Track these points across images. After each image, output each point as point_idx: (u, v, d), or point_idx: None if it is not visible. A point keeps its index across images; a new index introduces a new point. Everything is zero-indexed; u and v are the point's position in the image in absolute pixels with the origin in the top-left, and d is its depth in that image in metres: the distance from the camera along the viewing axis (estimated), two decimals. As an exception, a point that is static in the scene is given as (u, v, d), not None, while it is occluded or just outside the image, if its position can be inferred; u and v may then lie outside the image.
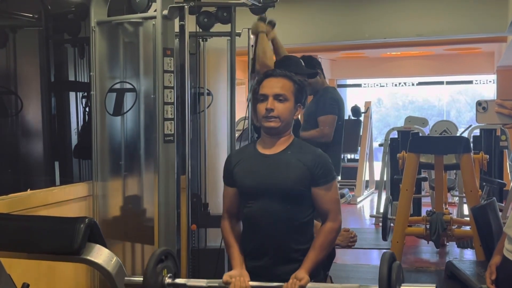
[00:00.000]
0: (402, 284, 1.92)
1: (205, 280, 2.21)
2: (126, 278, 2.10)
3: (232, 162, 2.42)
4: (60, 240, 1.97)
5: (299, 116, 2.59)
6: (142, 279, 2.05)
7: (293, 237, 2.33)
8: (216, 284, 2.21)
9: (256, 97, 2.37)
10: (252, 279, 2.30)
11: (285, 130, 2.36)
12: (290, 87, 2.34)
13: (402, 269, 1.99)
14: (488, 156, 6.43)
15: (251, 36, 4.33)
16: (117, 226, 3.80)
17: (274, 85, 2.32)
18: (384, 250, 5.97)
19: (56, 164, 4.00)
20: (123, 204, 3.84)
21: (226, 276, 2.24)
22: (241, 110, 6.04)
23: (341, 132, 4.16)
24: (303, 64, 3.82)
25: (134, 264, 3.91)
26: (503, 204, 6.66)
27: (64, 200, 3.45)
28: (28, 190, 3.24)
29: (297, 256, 2.32)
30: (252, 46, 4.31)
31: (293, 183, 2.29)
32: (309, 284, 2.14)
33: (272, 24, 3.82)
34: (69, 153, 4.11)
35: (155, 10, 3.43)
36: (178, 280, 2.16)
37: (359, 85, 13.80)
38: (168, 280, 2.11)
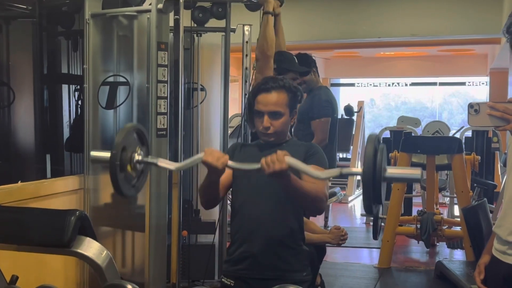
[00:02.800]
0: (388, 167, 1.86)
1: (175, 163, 2.18)
2: (92, 152, 2.07)
3: (236, 150, 2.46)
4: (50, 232, 1.96)
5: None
6: (109, 153, 1.98)
7: (283, 222, 2.33)
8: (194, 163, 2.16)
9: (251, 111, 2.40)
10: (239, 265, 2.32)
11: (283, 138, 2.42)
12: (284, 100, 2.36)
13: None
14: (479, 157, 6.46)
15: (246, 33, 4.33)
16: (107, 219, 3.79)
17: (268, 102, 2.34)
18: (375, 249, 5.97)
19: (48, 156, 3.98)
20: (114, 198, 3.83)
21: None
22: (234, 107, 6.03)
23: (334, 131, 4.16)
24: (296, 61, 3.81)
25: (124, 255, 3.90)
26: (493, 206, 6.69)
27: (55, 193, 3.43)
28: (19, 182, 3.22)
29: (286, 242, 2.32)
30: (247, 42, 4.31)
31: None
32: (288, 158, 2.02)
33: (281, 2, 3.73)
34: (60, 146, 4.08)
35: (150, 4, 3.41)
36: (149, 158, 2.08)
37: (352, 85, 13.82)
38: (138, 157, 2.04)
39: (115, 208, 3.84)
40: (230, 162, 2.11)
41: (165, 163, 2.13)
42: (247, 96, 3.59)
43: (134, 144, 2.07)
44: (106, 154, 2.00)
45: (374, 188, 1.84)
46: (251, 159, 2.35)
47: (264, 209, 2.32)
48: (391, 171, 1.87)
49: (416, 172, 1.87)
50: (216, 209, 3.73)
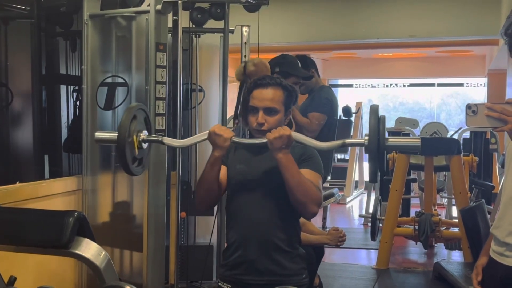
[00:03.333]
0: (388, 137, 2.06)
1: (180, 140, 2.25)
2: (96, 133, 2.21)
3: (230, 150, 2.41)
4: (48, 233, 1.96)
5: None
6: (116, 134, 2.07)
7: (278, 225, 2.31)
8: (199, 139, 2.24)
9: (246, 107, 2.37)
10: (234, 271, 2.32)
11: None
12: (280, 97, 2.34)
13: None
14: (477, 158, 6.46)
15: (244, 34, 4.33)
16: (106, 221, 3.79)
17: (264, 98, 2.32)
18: (373, 250, 5.97)
19: (46, 157, 3.98)
20: (113, 199, 3.82)
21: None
22: (233, 107, 6.03)
23: (334, 131, 4.15)
24: (300, 65, 3.80)
25: (123, 256, 3.90)
26: (491, 207, 6.69)
27: (53, 194, 3.43)
28: (17, 183, 3.22)
29: (281, 245, 2.31)
30: (245, 43, 4.32)
31: (279, 173, 2.26)
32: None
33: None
34: (59, 146, 4.08)
35: (149, 5, 3.42)
36: (153, 136, 2.19)
37: (350, 86, 13.83)
38: (143, 136, 2.12)
39: (113, 209, 3.83)
40: (235, 138, 2.19)
41: (170, 141, 2.19)
42: (242, 92, 3.56)
43: (138, 124, 2.13)
44: (113, 135, 2.05)
45: (378, 156, 2.00)
46: (245, 160, 2.36)
47: (259, 213, 2.31)
48: (392, 139, 2.07)
49: (416, 140, 2.02)
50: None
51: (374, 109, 2.03)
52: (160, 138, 2.19)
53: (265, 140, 2.14)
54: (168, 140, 2.22)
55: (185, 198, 3.96)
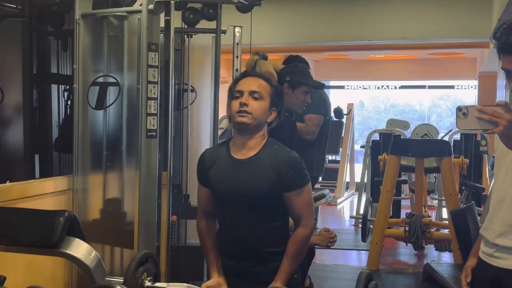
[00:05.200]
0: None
1: (185, 285, 2.19)
2: (106, 278, 2.08)
3: (206, 162, 2.40)
4: (38, 233, 1.95)
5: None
6: (122, 279, 2.03)
7: (267, 242, 2.34)
8: None
9: (232, 95, 2.36)
10: (232, 279, 2.33)
11: (257, 130, 2.33)
12: (267, 88, 2.34)
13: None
14: (468, 160, 6.49)
15: (236, 34, 4.33)
16: (96, 220, 3.78)
17: (251, 83, 2.32)
18: (364, 251, 5.99)
19: (36, 157, 3.96)
20: (104, 199, 3.81)
21: (204, 287, 2.25)
22: (224, 108, 6.01)
23: (326, 131, 4.17)
24: (310, 74, 3.78)
25: (113, 260, 3.89)
26: (481, 209, 6.72)
27: (44, 193, 3.41)
28: (7, 182, 3.20)
29: (273, 257, 2.34)
30: (237, 44, 4.31)
31: (264, 191, 2.28)
32: None
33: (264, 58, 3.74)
34: (49, 146, 4.06)
35: (141, 4, 3.41)
36: (158, 284, 2.14)
37: (342, 87, 13.85)
38: (148, 283, 2.09)
39: (103, 209, 3.82)
40: None
41: (174, 286, 2.13)
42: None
43: (144, 270, 2.07)
44: (119, 280, 2.02)
45: None
46: (225, 179, 2.32)
47: (246, 231, 2.33)
48: None
49: None
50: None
51: (362, 277, 1.79)
52: (165, 285, 2.17)
53: None
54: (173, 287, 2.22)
55: (176, 202, 3.96)
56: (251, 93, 2.29)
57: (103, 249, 3.81)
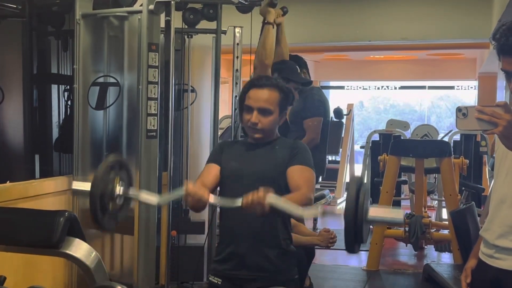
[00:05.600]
0: (370, 208, 1.87)
1: (156, 195, 2.17)
2: (74, 183, 2.11)
3: (224, 148, 2.46)
4: (39, 233, 1.95)
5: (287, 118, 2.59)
6: (89, 185, 1.99)
7: (270, 222, 2.31)
8: (176, 196, 2.16)
9: (242, 106, 2.39)
10: (226, 265, 2.33)
11: (270, 136, 2.41)
12: (276, 99, 2.36)
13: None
14: (468, 161, 6.49)
15: (237, 35, 4.33)
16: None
17: (259, 98, 2.34)
18: (364, 252, 5.98)
19: (37, 157, 3.96)
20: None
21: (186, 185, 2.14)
22: (225, 108, 6.02)
23: (326, 132, 4.17)
24: (299, 71, 3.79)
25: (113, 256, 3.89)
26: (481, 209, 6.72)
27: (44, 194, 3.41)
28: (8, 182, 3.21)
29: (273, 242, 2.33)
30: (237, 44, 4.31)
31: (272, 168, 2.33)
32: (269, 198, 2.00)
33: (284, 11, 3.68)
34: (49, 146, 4.07)
35: (141, 5, 3.41)
36: (131, 191, 2.08)
37: (342, 87, 13.85)
38: (119, 191, 2.04)
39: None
40: (211, 199, 2.10)
41: (147, 197, 2.13)
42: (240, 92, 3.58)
43: (115, 177, 2.04)
44: (87, 188, 1.99)
45: (356, 230, 1.83)
46: (239, 158, 2.38)
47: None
48: (374, 213, 1.87)
49: (398, 215, 1.86)
50: (206, 209, 3.73)
51: (354, 180, 1.87)
52: (136, 194, 2.09)
53: (239, 203, 2.01)
54: (144, 196, 2.16)
55: (175, 217, 3.97)
56: (260, 110, 2.33)
57: (103, 250, 3.82)
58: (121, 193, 2.05)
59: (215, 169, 2.40)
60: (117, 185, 2.04)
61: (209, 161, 2.47)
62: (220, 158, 2.42)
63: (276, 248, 2.34)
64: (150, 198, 2.16)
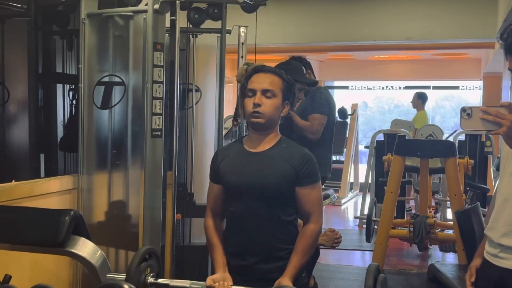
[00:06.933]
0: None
1: (188, 281, 2.19)
2: (108, 274, 2.08)
3: (219, 158, 2.44)
4: (44, 232, 1.96)
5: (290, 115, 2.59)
6: (124, 276, 2.03)
7: (277, 236, 2.34)
8: (199, 286, 2.19)
9: (244, 93, 2.37)
10: (235, 278, 2.31)
11: (271, 127, 2.36)
12: (279, 84, 2.35)
13: (387, 281, 1.98)
14: (473, 161, 6.48)
15: (242, 34, 4.34)
16: (102, 220, 3.79)
17: (263, 81, 2.33)
18: (368, 252, 5.97)
19: (42, 156, 3.97)
20: (109, 198, 3.82)
21: (209, 280, 2.24)
22: (229, 108, 6.06)
23: (331, 132, 4.17)
24: (304, 71, 3.79)
25: (118, 258, 3.90)
26: (486, 209, 6.71)
27: (49, 193, 3.42)
28: (13, 181, 3.21)
29: (281, 254, 2.34)
30: (242, 44, 4.32)
31: (277, 181, 2.29)
32: None
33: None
34: (55, 145, 4.08)
35: (146, 4, 3.41)
36: (161, 280, 2.14)
37: (346, 87, 13.84)
38: (151, 279, 2.09)
39: (109, 208, 3.83)
40: None
41: (177, 282, 2.17)
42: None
43: (147, 266, 2.10)
44: (122, 276, 2.02)
45: None
46: (237, 170, 2.34)
47: (256, 224, 2.32)
48: None
49: None
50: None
51: (371, 270, 1.90)
52: (167, 281, 2.15)
53: None
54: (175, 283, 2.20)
55: (180, 200, 3.96)
56: (264, 92, 2.31)
57: (108, 248, 3.82)
58: (153, 281, 2.10)
59: (217, 189, 2.42)
60: (149, 274, 2.10)
61: (210, 178, 2.47)
62: (218, 174, 2.40)
63: (284, 258, 2.34)
64: (182, 283, 2.21)
